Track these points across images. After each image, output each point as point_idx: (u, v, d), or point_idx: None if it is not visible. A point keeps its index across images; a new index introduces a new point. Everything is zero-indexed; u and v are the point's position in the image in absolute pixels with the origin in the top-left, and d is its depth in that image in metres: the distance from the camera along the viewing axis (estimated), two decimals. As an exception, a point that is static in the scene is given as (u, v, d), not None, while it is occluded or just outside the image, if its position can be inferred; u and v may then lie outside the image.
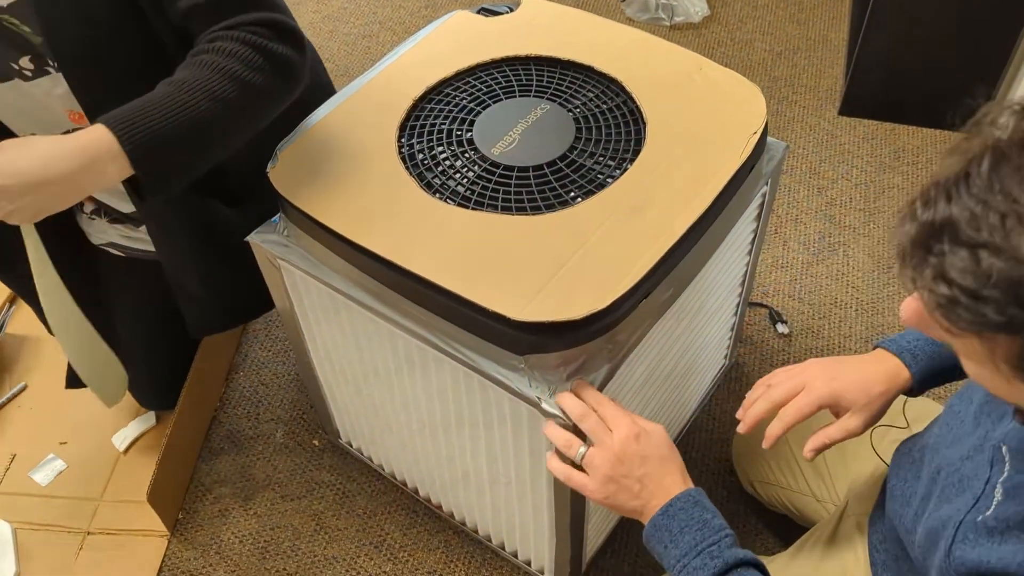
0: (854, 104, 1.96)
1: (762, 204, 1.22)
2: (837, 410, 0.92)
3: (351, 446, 1.45)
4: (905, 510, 0.85)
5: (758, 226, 1.26)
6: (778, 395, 0.93)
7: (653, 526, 0.82)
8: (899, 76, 1.88)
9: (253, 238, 1.10)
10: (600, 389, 0.94)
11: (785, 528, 1.34)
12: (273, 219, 1.10)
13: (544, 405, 0.92)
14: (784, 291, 1.65)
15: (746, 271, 1.33)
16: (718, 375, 1.51)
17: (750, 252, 1.30)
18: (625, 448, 0.84)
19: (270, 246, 1.08)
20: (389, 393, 1.18)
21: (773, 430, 0.93)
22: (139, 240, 1.30)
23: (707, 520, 0.81)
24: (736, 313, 1.41)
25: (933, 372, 0.91)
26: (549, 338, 0.90)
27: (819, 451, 0.92)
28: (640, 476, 0.83)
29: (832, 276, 1.67)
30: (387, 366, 1.13)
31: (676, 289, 1.02)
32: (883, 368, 0.91)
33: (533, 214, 0.99)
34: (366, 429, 1.34)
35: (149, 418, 1.49)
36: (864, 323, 1.60)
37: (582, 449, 0.87)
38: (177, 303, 1.28)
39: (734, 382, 1.53)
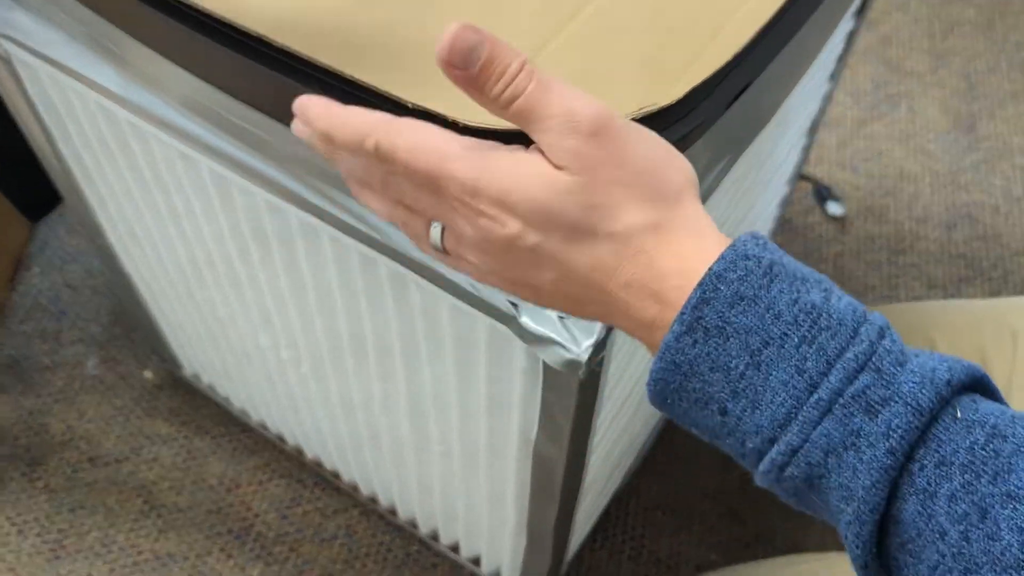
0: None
1: (871, -17, 0.73)
2: None
3: (200, 381, 0.94)
4: None
5: (855, 27, 0.77)
6: None
7: (671, 368, 0.31)
8: None
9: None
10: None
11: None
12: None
13: (528, 314, 0.44)
14: (831, 158, 1.18)
15: (820, 108, 0.85)
16: (750, 273, 1.04)
17: (833, 74, 0.82)
18: (494, 226, 0.33)
19: (-20, 12, 0.55)
20: (236, 298, 0.68)
21: None
22: None
23: (815, 306, 0.30)
24: (790, 179, 0.93)
25: None
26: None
27: None
28: (565, 262, 0.33)
29: (895, 138, 1.20)
30: (224, 247, 0.62)
31: (775, 96, 0.54)
32: None
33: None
34: (215, 358, 0.84)
35: None
36: (944, 200, 1.14)
37: (435, 230, 0.35)
38: None
39: (769, 284, 1.07)
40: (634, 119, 0.38)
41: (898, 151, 1.19)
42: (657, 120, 0.39)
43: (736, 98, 0.46)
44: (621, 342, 0.54)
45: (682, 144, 0.43)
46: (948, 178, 1.16)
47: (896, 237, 1.11)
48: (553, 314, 0.44)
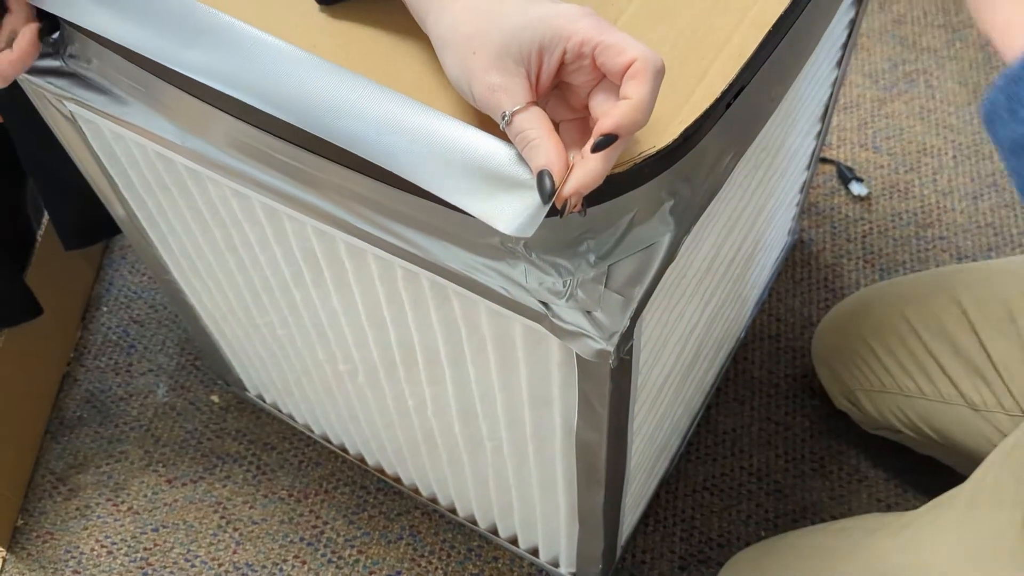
0: None
1: (868, -27, 0.76)
2: None
3: (263, 401, 1.00)
4: None
5: (856, 15, 0.80)
6: None
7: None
8: None
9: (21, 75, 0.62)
10: (654, 284, 0.50)
11: (909, 464, 0.93)
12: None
13: (558, 311, 0.48)
14: (853, 140, 1.21)
15: (831, 95, 0.88)
16: (779, 258, 1.07)
17: (840, 62, 0.85)
18: None
19: (48, 81, 0.61)
20: (294, 319, 0.73)
21: None
22: None
23: None
24: (809, 165, 0.96)
25: None
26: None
27: None
28: None
29: (915, 115, 1.22)
30: (279, 273, 0.67)
31: (777, 89, 0.57)
32: None
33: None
34: (276, 377, 0.89)
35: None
36: (968, 171, 1.16)
37: None
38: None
39: (799, 267, 1.10)
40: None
41: (919, 127, 1.21)
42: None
43: (736, 97, 0.50)
44: (649, 333, 0.58)
45: (688, 143, 0.47)
46: (971, 149, 1.18)
47: (922, 211, 1.13)
48: (580, 309, 0.48)
